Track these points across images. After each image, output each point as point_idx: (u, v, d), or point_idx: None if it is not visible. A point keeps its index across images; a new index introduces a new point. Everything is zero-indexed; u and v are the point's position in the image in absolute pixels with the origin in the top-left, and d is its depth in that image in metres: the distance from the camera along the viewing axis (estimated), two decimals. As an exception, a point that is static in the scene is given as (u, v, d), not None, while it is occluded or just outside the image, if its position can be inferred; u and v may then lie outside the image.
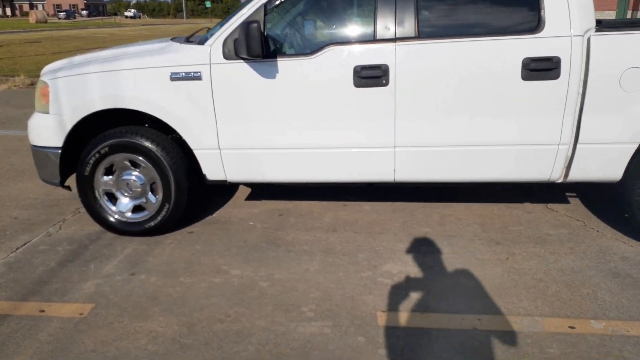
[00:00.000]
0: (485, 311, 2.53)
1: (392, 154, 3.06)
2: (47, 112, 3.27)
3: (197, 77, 3.07)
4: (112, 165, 3.34)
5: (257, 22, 2.70)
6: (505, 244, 3.23)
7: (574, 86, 2.82)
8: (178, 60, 3.09)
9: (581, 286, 2.73)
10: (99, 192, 3.39)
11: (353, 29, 3.04)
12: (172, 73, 3.08)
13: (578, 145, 2.93)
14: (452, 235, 3.37)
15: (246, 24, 2.73)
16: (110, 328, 2.44)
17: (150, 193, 3.38)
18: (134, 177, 3.34)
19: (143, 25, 51.51)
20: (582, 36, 2.78)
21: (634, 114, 2.83)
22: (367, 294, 2.70)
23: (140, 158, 3.26)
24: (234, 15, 3.07)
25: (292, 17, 3.16)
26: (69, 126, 3.25)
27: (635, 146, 2.90)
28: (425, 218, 3.65)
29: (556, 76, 2.81)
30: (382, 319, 2.48)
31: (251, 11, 2.99)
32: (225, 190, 4.29)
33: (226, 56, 3.03)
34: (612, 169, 2.97)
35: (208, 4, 75.70)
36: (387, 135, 3.02)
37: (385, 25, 2.90)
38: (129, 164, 3.33)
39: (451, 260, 3.04)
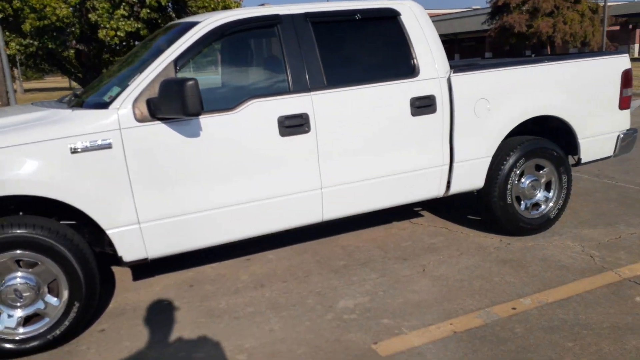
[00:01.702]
0: (449, 316, 2.87)
1: (319, 195, 3.20)
2: None
3: (106, 146, 2.67)
4: (-14, 274, 2.58)
5: (194, 79, 2.54)
6: (411, 259, 3.67)
7: (446, 117, 3.48)
8: (78, 129, 2.63)
9: (490, 276, 3.34)
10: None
11: (269, 81, 3.13)
12: (72, 145, 2.61)
13: (454, 164, 3.59)
14: (366, 262, 3.66)
15: (181, 82, 2.53)
16: None
17: (48, 295, 2.72)
18: (21, 280, 2.64)
19: None
20: (445, 77, 3.47)
21: (486, 134, 3.64)
22: (347, 334, 2.75)
23: (34, 254, 2.61)
24: (137, 73, 2.80)
25: (200, 71, 3.04)
26: None
27: (490, 158, 3.71)
28: (332, 253, 3.85)
29: (434, 110, 3.42)
30: (380, 349, 2.58)
31: (161, 68, 2.79)
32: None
33: (139, 119, 2.73)
34: (477, 179, 3.73)
35: None
36: (314, 177, 3.15)
37: (298, 77, 3.07)
38: (14, 264, 2.62)
39: (384, 282, 3.31)
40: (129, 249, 2.84)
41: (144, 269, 3.73)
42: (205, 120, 2.86)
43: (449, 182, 3.63)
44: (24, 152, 2.54)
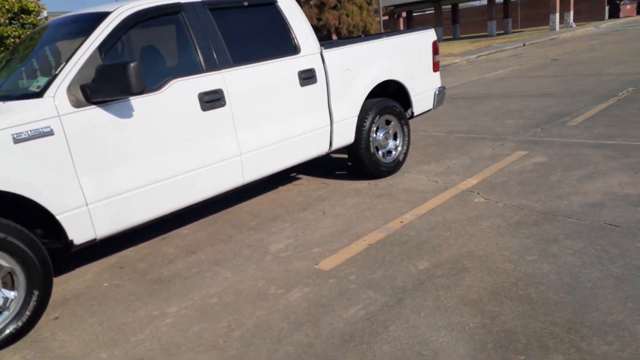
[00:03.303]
0: (360, 236, 3.66)
1: (240, 161, 3.67)
2: None
3: (48, 133, 2.76)
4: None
5: (136, 61, 2.79)
6: (309, 208, 4.37)
7: (324, 86, 4.25)
8: (18, 118, 2.67)
9: (374, 207, 4.23)
10: None
11: (184, 63, 3.44)
12: (14, 134, 2.64)
13: (334, 125, 4.39)
14: (274, 217, 4.24)
15: (124, 64, 2.76)
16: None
17: (3, 289, 2.70)
18: (-25, 279, 2.60)
19: None
20: (319, 53, 4.22)
21: (351, 98, 4.51)
22: (291, 264, 3.34)
23: (-13, 250, 2.59)
24: (65, 62, 2.91)
25: (126, 57, 3.22)
26: None
27: (356, 118, 4.61)
28: (241, 218, 4.33)
29: (315, 81, 4.16)
30: (323, 267, 3.24)
31: (87, 55, 2.95)
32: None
33: (75, 104, 2.87)
34: (349, 136, 4.59)
35: None
36: (234, 146, 3.62)
37: (209, 57, 3.48)
38: (-35, 264, 2.57)
39: (298, 227, 3.96)
40: (79, 231, 2.95)
41: (61, 264, 3.72)
42: (135, 101, 3.10)
43: (331, 140, 4.42)
44: (-36, 147, 2.50)
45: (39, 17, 13.79)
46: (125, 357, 2.52)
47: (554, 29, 32.01)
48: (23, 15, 14.27)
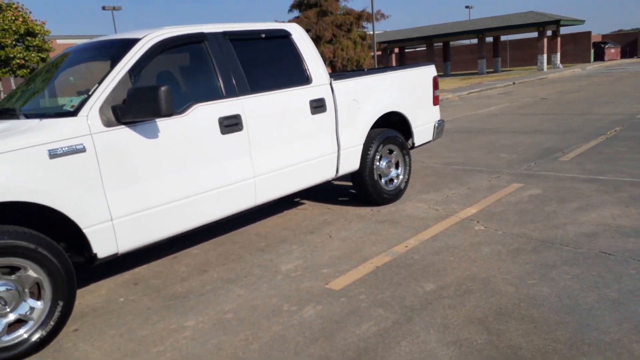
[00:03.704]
0: (367, 259, 3.82)
1: (253, 182, 3.84)
2: None
3: (80, 150, 2.92)
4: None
5: (167, 85, 2.99)
6: (316, 231, 4.53)
7: (333, 115, 4.47)
8: (54, 135, 2.83)
9: (379, 232, 4.39)
10: (-44, 326, 2.54)
11: (206, 88, 3.63)
12: (50, 150, 2.80)
13: (340, 152, 4.60)
14: (282, 240, 4.38)
15: (155, 88, 2.96)
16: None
17: (30, 299, 2.81)
18: (6, 287, 2.70)
19: None
20: (328, 84, 4.46)
21: (358, 127, 4.74)
22: (302, 283, 3.47)
23: (19, 260, 2.70)
24: (98, 84, 3.09)
25: (154, 81, 3.41)
26: None
27: (362, 146, 4.82)
28: (249, 240, 4.46)
29: (325, 110, 4.38)
30: (333, 286, 3.38)
31: (118, 78, 3.15)
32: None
33: (106, 123, 3.04)
34: (355, 163, 4.80)
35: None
36: (249, 168, 3.79)
37: (229, 84, 3.69)
38: (-3, 273, 2.68)
39: (306, 249, 4.10)
40: (103, 245, 3.07)
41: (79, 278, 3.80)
42: (161, 123, 3.28)
43: (337, 166, 4.61)
44: (3, 161, 2.65)
45: (44, 40, 14.09)
46: (148, 367, 2.62)
47: (542, 69, 33.07)
48: (29, 38, 14.54)
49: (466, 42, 50.54)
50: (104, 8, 36.23)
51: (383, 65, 33.80)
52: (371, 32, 28.70)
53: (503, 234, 4.11)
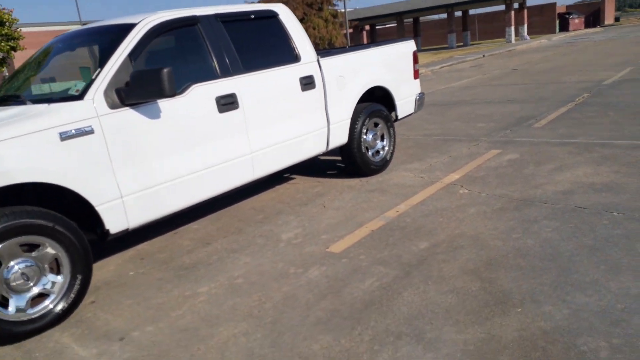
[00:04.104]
0: (362, 224, 4.05)
1: (250, 158, 4.01)
2: None
3: (89, 132, 3.04)
4: (-5, 261, 2.72)
5: (169, 67, 3.11)
6: (310, 203, 4.74)
7: (322, 91, 4.65)
8: (64, 118, 2.94)
9: (370, 200, 4.64)
10: (-15, 301, 2.68)
11: (202, 69, 3.75)
12: (61, 133, 2.92)
13: (330, 126, 4.79)
14: (278, 212, 4.58)
15: (157, 70, 3.08)
16: None
17: (50, 274, 2.95)
18: (27, 264, 2.84)
19: None
20: (316, 61, 4.62)
21: (345, 102, 4.92)
22: (304, 249, 3.69)
23: (38, 237, 2.84)
24: (100, 69, 3.20)
25: (151, 63, 3.52)
26: None
27: (349, 120, 5.02)
28: (246, 214, 4.64)
29: (314, 87, 4.54)
30: (334, 250, 3.61)
31: (119, 62, 3.25)
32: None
33: (111, 106, 3.16)
34: (344, 137, 4.99)
35: None
36: (246, 145, 3.96)
37: (223, 64, 3.83)
38: (20, 249, 2.81)
39: (303, 219, 4.31)
40: (114, 222, 3.22)
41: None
42: (162, 104, 3.41)
43: (328, 141, 4.80)
44: (19, 144, 2.75)
45: (13, 28, 13.71)
46: (171, 329, 2.81)
47: (510, 41, 33.62)
48: (-5, 26, 14.22)
49: (436, 16, 50.80)
50: (65, -7, 35.05)
51: (355, 43, 33.83)
52: (342, 10, 28.65)
53: (486, 195, 4.39)
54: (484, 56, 24.33)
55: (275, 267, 3.44)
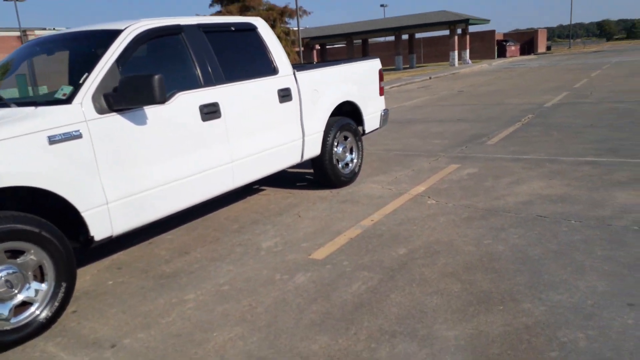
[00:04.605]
0: (340, 232, 4.17)
1: (231, 167, 4.05)
2: None
3: (77, 136, 3.00)
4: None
5: (160, 75, 3.13)
6: (285, 213, 4.81)
7: (297, 103, 4.77)
8: (52, 122, 2.90)
9: (343, 210, 4.77)
10: (-33, 309, 2.56)
11: (186, 78, 3.77)
12: (49, 136, 2.87)
13: (305, 137, 4.91)
14: (254, 221, 4.62)
15: (149, 77, 3.09)
16: None
17: (34, 282, 2.86)
18: (11, 270, 2.75)
19: None
20: (293, 74, 4.75)
21: (319, 115, 5.07)
22: (286, 256, 3.76)
23: (24, 243, 2.76)
24: (87, 73, 3.17)
25: (137, 70, 3.50)
26: None
27: (322, 133, 5.16)
28: (220, 224, 4.65)
29: (291, 99, 4.67)
30: (316, 256, 3.70)
31: (107, 68, 3.24)
32: None
33: (99, 111, 3.13)
34: (317, 149, 5.12)
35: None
36: (227, 153, 4.00)
37: (206, 74, 3.87)
38: (4, 256, 2.72)
39: (280, 228, 4.38)
40: (99, 228, 3.17)
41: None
42: (148, 110, 3.41)
43: (302, 152, 4.92)
44: (7, 147, 2.68)
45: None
46: (163, 335, 2.79)
47: (454, 64, 35.25)
48: None
49: (383, 39, 52.47)
50: (4, -2, 33.51)
51: (307, 62, 34.33)
52: (294, 28, 29.09)
53: (453, 205, 4.64)
54: (430, 78, 25.37)
55: (260, 274, 3.49)
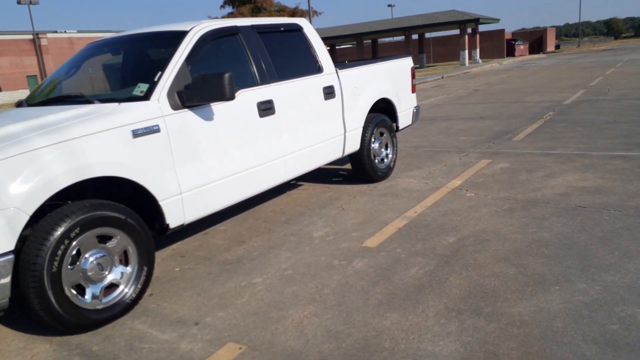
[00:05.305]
0: (387, 223, 4.37)
1: (284, 161, 4.26)
2: None
3: (156, 130, 3.22)
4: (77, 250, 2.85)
5: (231, 73, 3.35)
6: (328, 206, 5.01)
7: (340, 100, 4.98)
8: (134, 117, 3.12)
9: (385, 202, 4.97)
10: (68, 289, 2.79)
11: (245, 75, 3.99)
12: (133, 130, 3.09)
13: (347, 133, 5.11)
14: (300, 214, 4.83)
15: (220, 74, 3.31)
16: None
17: (120, 265, 3.09)
18: (102, 254, 2.97)
19: None
20: (336, 73, 4.95)
21: (358, 111, 5.27)
22: (340, 244, 3.96)
23: (112, 229, 2.98)
24: (161, 72, 3.39)
25: (203, 68, 3.72)
26: (24, 219, 2.58)
27: (361, 129, 5.35)
28: (269, 216, 4.86)
29: (334, 96, 4.87)
30: (369, 244, 3.90)
31: (178, 66, 3.46)
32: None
33: (173, 107, 3.36)
34: (356, 144, 5.32)
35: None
36: (280, 148, 4.21)
37: (262, 72, 4.09)
38: (96, 240, 2.94)
39: (328, 219, 4.58)
40: (174, 217, 3.39)
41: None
42: (215, 106, 3.63)
43: (344, 147, 5.12)
44: (99, 139, 2.91)
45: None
46: (241, 314, 3.00)
47: (464, 64, 35.32)
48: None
49: (392, 39, 52.60)
50: (19, 2, 34.02)
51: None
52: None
53: (492, 198, 4.83)
54: (442, 77, 25.51)
55: (319, 260, 3.69)
